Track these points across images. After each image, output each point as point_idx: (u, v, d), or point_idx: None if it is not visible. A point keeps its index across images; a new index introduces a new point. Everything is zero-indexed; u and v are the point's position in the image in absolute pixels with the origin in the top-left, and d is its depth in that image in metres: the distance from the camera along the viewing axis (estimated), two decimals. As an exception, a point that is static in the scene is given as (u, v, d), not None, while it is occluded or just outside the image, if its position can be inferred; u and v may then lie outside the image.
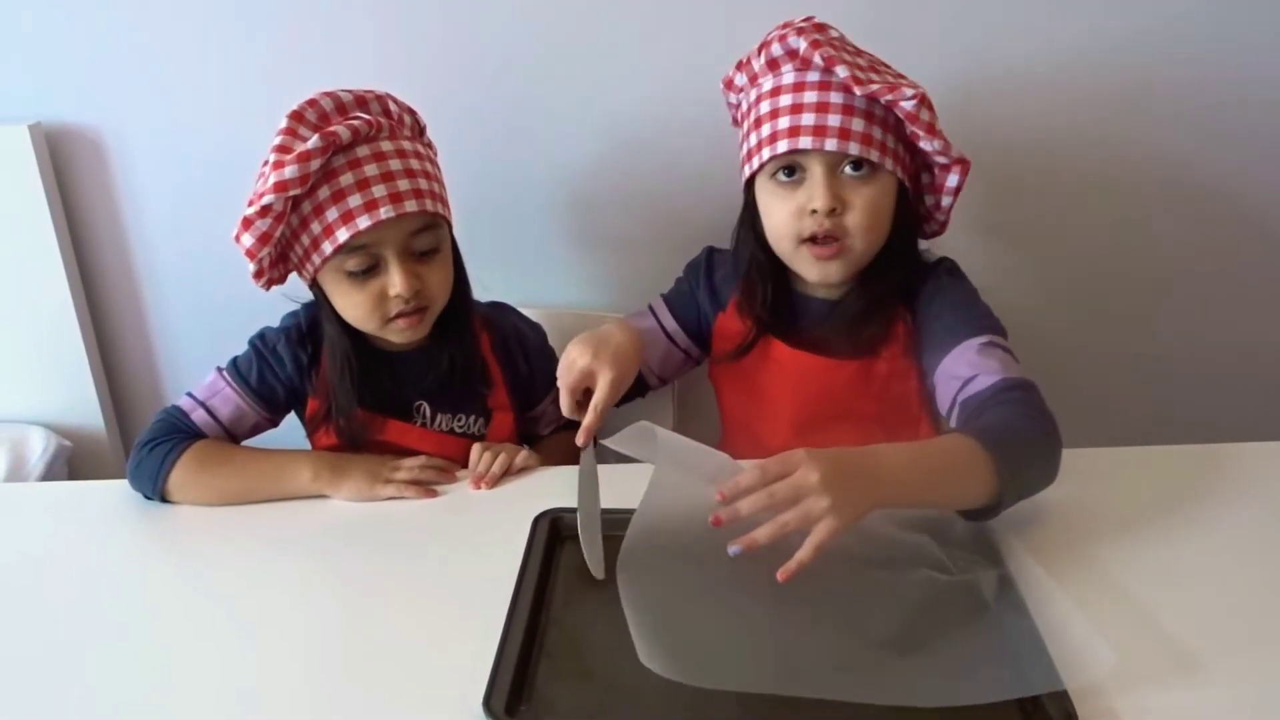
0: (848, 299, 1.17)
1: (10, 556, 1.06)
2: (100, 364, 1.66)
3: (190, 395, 1.20)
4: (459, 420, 1.26)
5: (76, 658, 0.89)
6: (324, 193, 1.08)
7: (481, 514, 1.09)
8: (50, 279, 1.56)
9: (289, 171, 1.04)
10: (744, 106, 1.15)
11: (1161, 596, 0.89)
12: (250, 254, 1.09)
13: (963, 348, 1.06)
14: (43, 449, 1.56)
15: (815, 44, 1.06)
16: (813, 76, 1.07)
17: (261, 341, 1.23)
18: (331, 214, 1.08)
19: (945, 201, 1.12)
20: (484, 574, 0.95)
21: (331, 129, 1.07)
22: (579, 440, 1.08)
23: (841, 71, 1.04)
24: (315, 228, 1.09)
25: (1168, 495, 1.05)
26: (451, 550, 1.02)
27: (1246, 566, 0.94)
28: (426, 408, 1.24)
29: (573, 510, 1.01)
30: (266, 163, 1.09)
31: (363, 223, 1.08)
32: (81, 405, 1.64)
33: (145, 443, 1.14)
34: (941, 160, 1.09)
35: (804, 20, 1.11)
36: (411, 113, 1.19)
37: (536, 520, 1.01)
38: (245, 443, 1.22)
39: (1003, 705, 0.76)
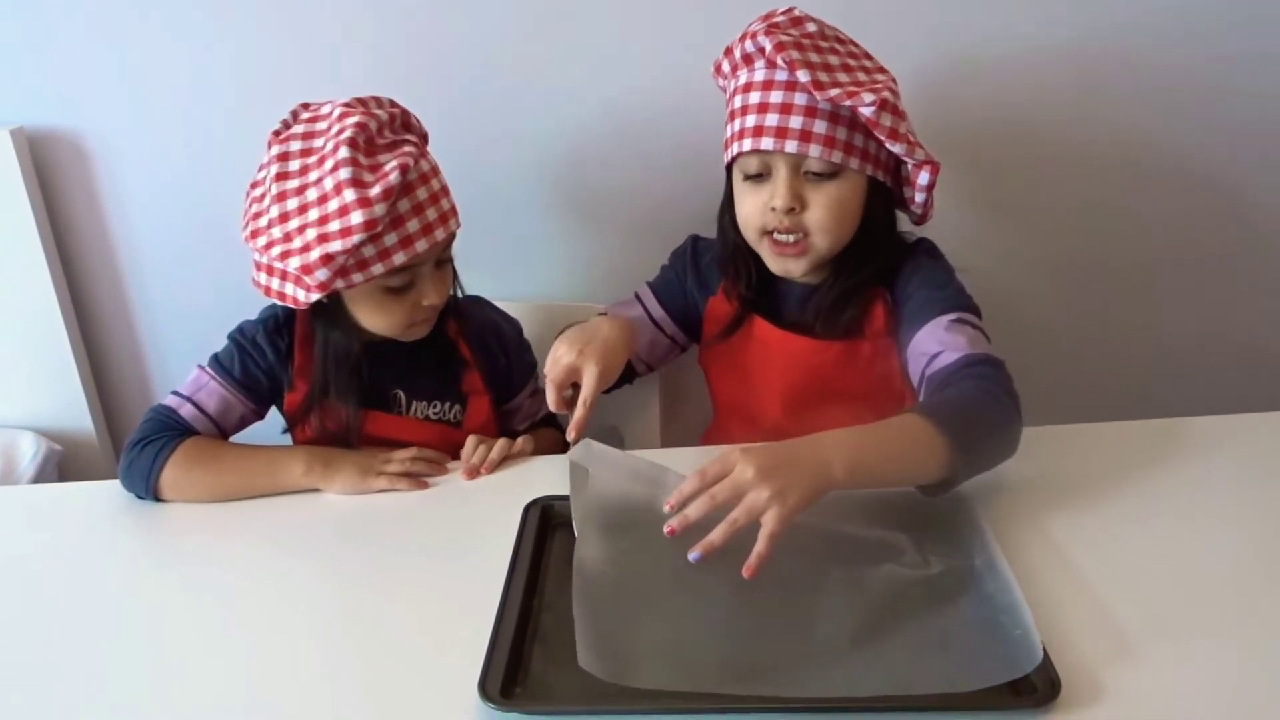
0: (825, 284, 1.18)
1: (2, 560, 1.07)
2: (88, 367, 1.66)
3: (176, 393, 1.21)
4: (434, 407, 1.27)
5: (72, 658, 0.90)
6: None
7: (473, 504, 1.10)
8: (36, 284, 1.56)
9: (378, 210, 1.06)
10: (727, 94, 1.16)
11: (1140, 569, 0.91)
12: (323, 287, 1.09)
13: (933, 324, 1.09)
14: (33, 454, 1.56)
15: (780, 46, 1.06)
16: (780, 75, 1.09)
17: (241, 334, 1.24)
18: (390, 239, 1.10)
19: (919, 197, 1.14)
20: (476, 562, 0.96)
21: (404, 162, 1.08)
22: (570, 435, 1.09)
23: (803, 76, 1.05)
24: (367, 251, 1.09)
25: (1138, 469, 1.06)
26: (444, 540, 1.03)
27: (1218, 536, 0.95)
28: (402, 395, 1.25)
29: (562, 498, 1.02)
30: (320, 191, 1.08)
31: (420, 247, 1.12)
32: (70, 409, 1.64)
33: (136, 442, 1.15)
34: (909, 161, 1.10)
35: (784, 13, 1.12)
36: (418, 120, 1.21)
37: (527, 508, 1.02)
38: (233, 439, 1.23)
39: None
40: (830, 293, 1.17)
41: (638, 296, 1.31)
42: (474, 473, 1.14)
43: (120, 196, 1.57)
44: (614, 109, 1.49)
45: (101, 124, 1.53)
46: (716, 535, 0.83)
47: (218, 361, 1.23)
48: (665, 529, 0.84)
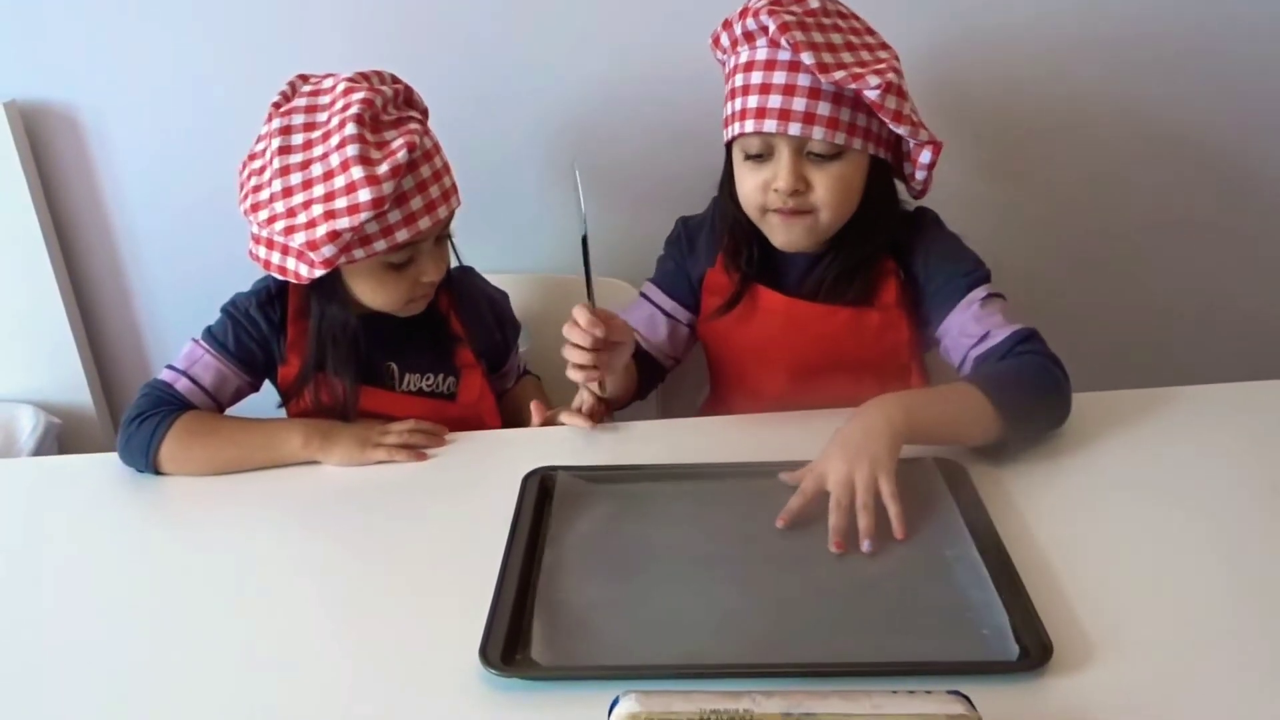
0: (829, 255, 1.18)
1: (3, 530, 1.08)
2: (86, 340, 1.66)
3: (171, 367, 1.21)
4: (428, 380, 1.28)
5: (73, 628, 0.90)
6: None
7: (472, 474, 1.10)
8: (32, 258, 1.56)
9: (387, 188, 1.06)
10: (726, 69, 1.16)
11: (1136, 535, 0.92)
12: (328, 263, 1.09)
13: (966, 303, 1.13)
14: (32, 427, 1.57)
15: (784, 26, 1.06)
16: (784, 55, 1.08)
17: (234, 307, 1.24)
18: (394, 216, 1.10)
19: (919, 175, 1.14)
20: (476, 532, 0.97)
21: (411, 139, 1.09)
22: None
23: (808, 58, 1.04)
24: (371, 227, 1.10)
25: (1137, 436, 1.07)
26: (443, 511, 1.04)
27: (1216, 504, 0.96)
28: (395, 368, 1.26)
29: (560, 468, 1.05)
30: (325, 167, 1.08)
31: (424, 224, 1.12)
32: (69, 382, 1.65)
33: (133, 418, 1.15)
34: (912, 141, 1.10)
35: None
36: (419, 96, 1.21)
37: (526, 478, 1.03)
38: (230, 412, 1.23)
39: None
40: (835, 265, 1.17)
41: (644, 295, 1.30)
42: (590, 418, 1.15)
43: (115, 169, 1.57)
44: (612, 80, 1.49)
45: (96, 97, 1.52)
46: (865, 523, 0.90)
47: (211, 334, 1.23)
48: (832, 545, 0.90)
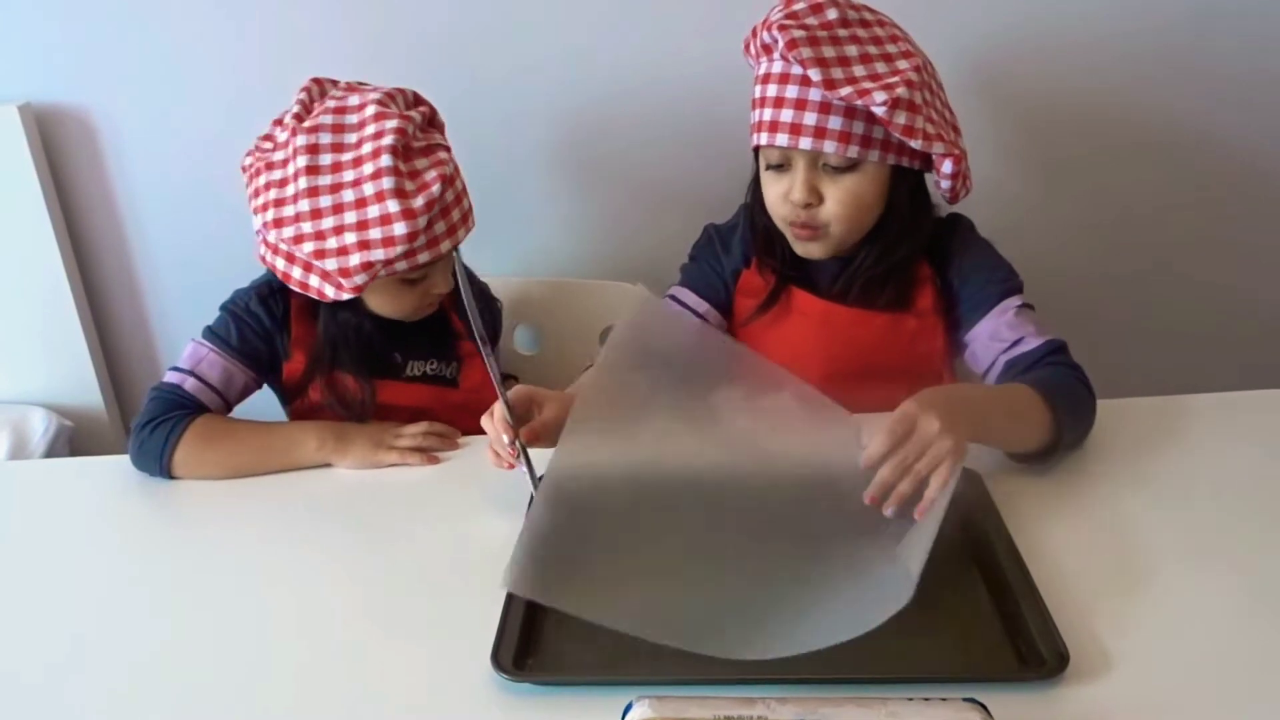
0: (859, 259, 1.17)
1: (15, 532, 1.08)
2: (98, 343, 1.67)
3: (175, 369, 1.20)
4: (432, 365, 1.29)
5: (86, 630, 0.91)
6: None
7: (484, 479, 1.09)
8: (45, 260, 1.57)
9: (422, 222, 1.09)
10: (754, 76, 1.15)
11: (1151, 543, 0.92)
12: (358, 289, 1.11)
13: (999, 310, 1.13)
14: (44, 429, 1.57)
15: (792, 44, 1.05)
16: (797, 69, 1.08)
17: (234, 304, 1.24)
18: (419, 241, 1.11)
19: (944, 184, 1.13)
20: (488, 536, 0.97)
21: (443, 171, 1.11)
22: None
23: (815, 75, 1.04)
24: None
25: (1150, 444, 1.07)
26: (456, 513, 1.04)
27: (1231, 512, 0.96)
28: (400, 356, 1.27)
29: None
30: (358, 194, 1.09)
31: (444, 248, 1.14)
32: (81, 385, 1.65)
33: (145, 423, 1.15)
34: (930, 153, 1.10)
35: None
36: (436, 111, 1.22)
37: (539, 482, 1.02)
38: (235, 411, 1.23)
39: (1000, 644, 0.79)
40: (864, 268, 1.17)
41: (674, 298, 1.27)
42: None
43: (128, 172, 1.57)
44: (619, 82, 1.49)
45: (108, 100, 1.53)
46: (905, 486, 0.88)
47: (213, 333, 1.23)
48: (866, 498, 0.88)
